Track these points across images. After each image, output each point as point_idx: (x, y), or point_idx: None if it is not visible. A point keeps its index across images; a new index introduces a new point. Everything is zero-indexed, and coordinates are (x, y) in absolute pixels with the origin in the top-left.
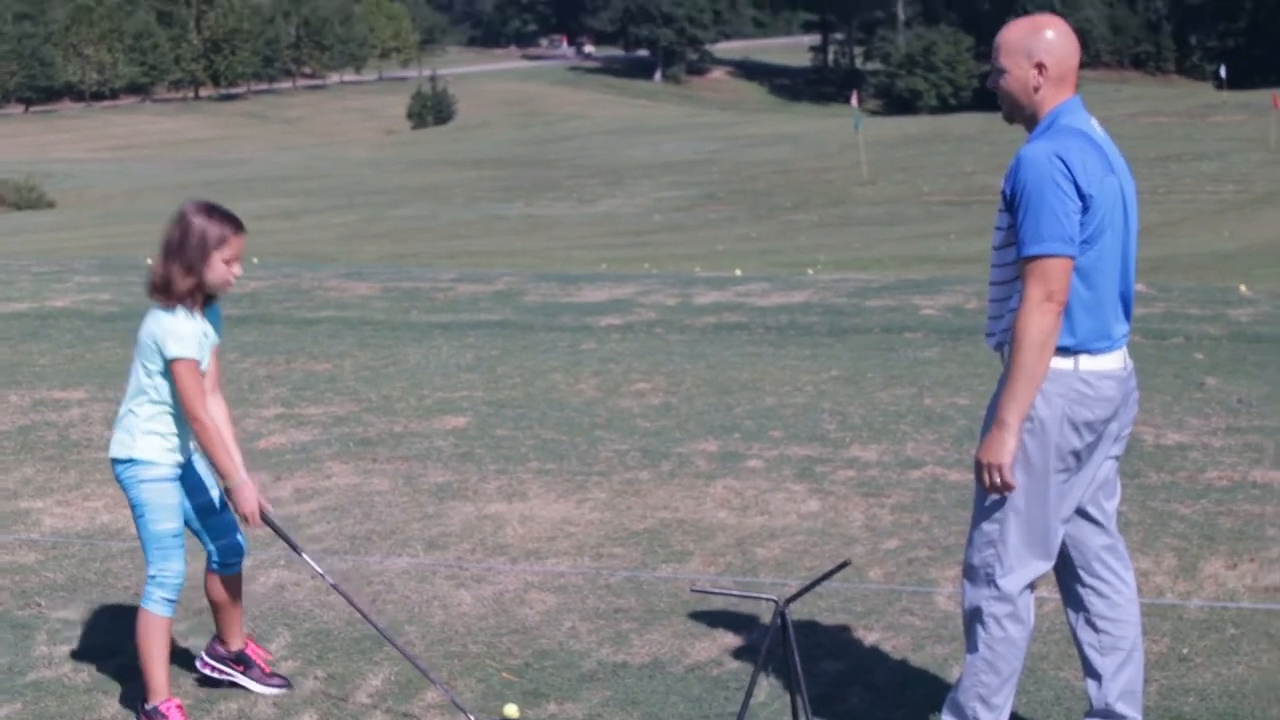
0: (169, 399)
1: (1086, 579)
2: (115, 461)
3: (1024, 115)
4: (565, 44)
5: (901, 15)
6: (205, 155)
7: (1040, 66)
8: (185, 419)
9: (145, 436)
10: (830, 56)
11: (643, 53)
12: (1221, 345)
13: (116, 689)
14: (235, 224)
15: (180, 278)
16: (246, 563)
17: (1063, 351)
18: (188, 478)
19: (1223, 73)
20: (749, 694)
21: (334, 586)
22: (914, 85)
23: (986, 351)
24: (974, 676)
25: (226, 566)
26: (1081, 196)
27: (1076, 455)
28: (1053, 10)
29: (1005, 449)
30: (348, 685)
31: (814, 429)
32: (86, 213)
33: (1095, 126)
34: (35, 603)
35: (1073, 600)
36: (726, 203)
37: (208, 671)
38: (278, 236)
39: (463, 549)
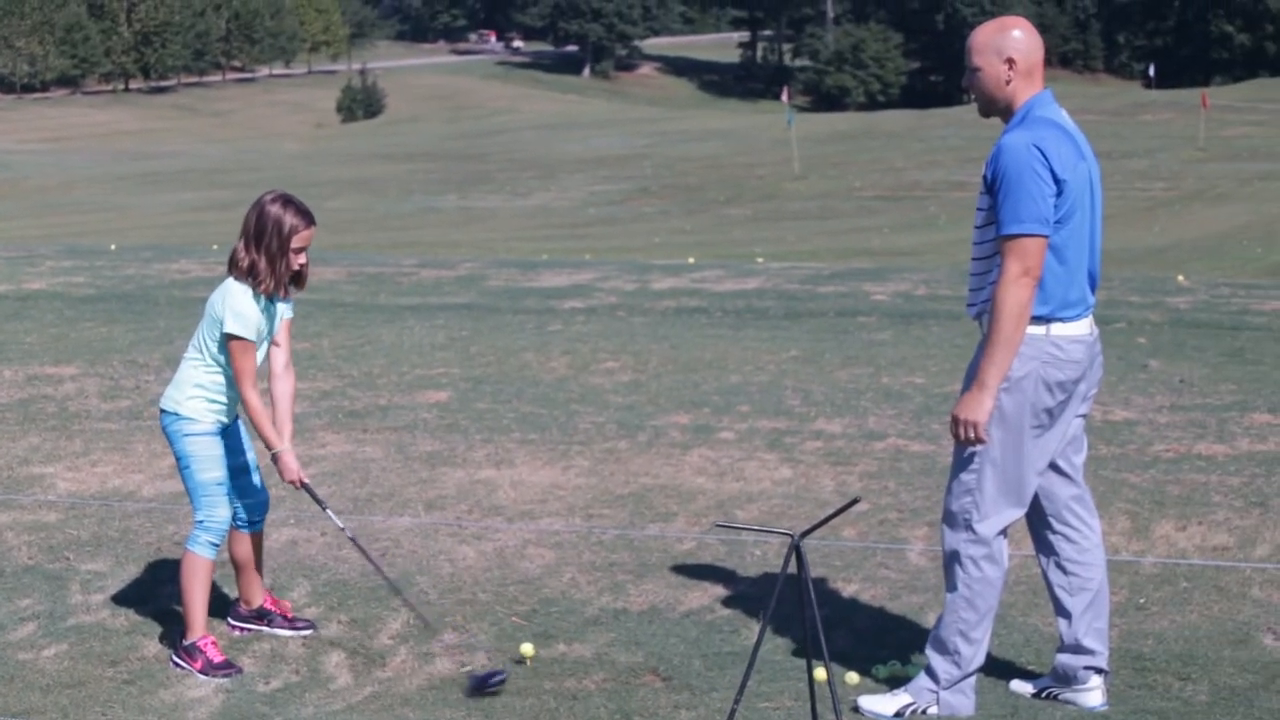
0: (223, 364)
1: (1057, 526)
2: (163, 413)
3: (999, 109)
4: (494, 39)
5: (830, 12)
6: (136, 147)
7: (1010, 62)
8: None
9: (193, 396)
10: (759, 53)
11: (572, 48)
12: (1162, 330)
13: (155, 631)
14: (308, 217)
15: (266, 267)
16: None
17: (1036, 319)
18: (229, 437)
19: (1151, 71)
20: (765, 621)
21: (352, 540)
22: (842, 82)
23: (938, 334)
24: (954, 614)
25: (251, 524)
26: (1056, 181)
27: (1049, 412)
28: (980, 9)
29: (983, 408)
30: (369, 629)
31: (779, 404)
32: (22, 203)
33: (1066, 118)
34: (64, 557)
35: (1044, 546)
36: (660, 197)
37: (235, 633)
38: (216, 228)
39: (460, 509)
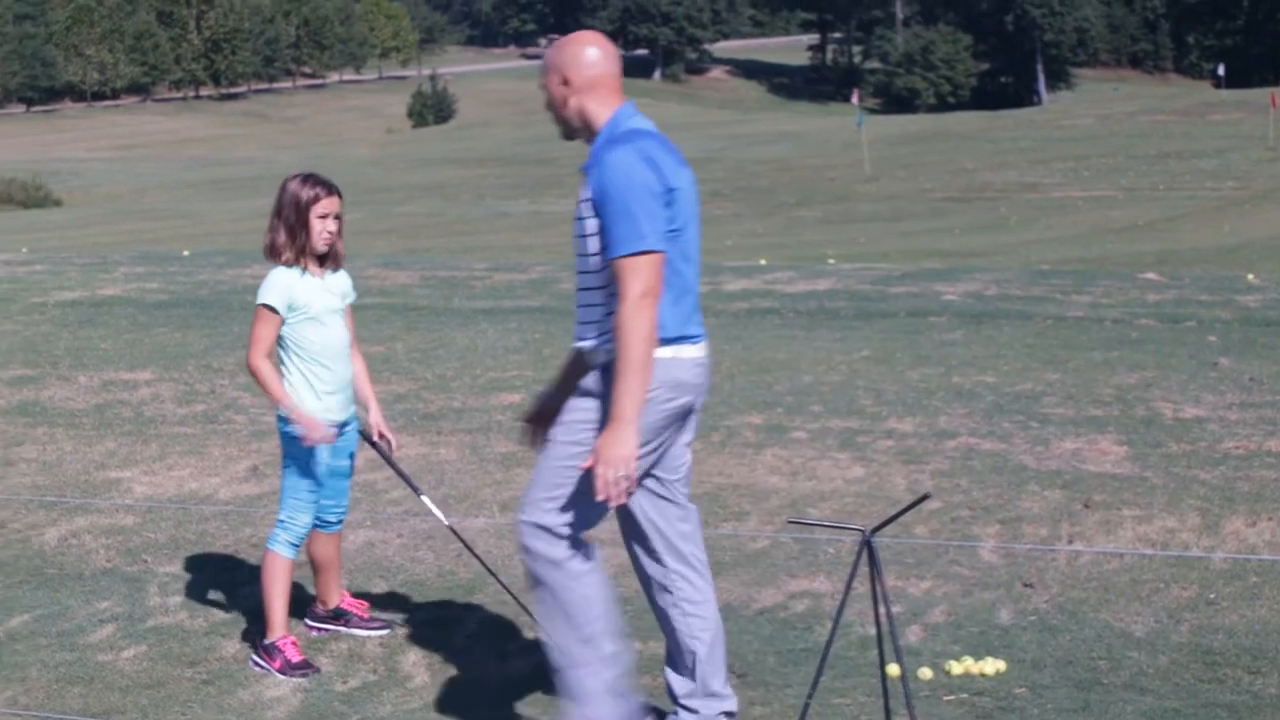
0: (310, 352)
1: (673, 564)
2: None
3: (574, 129)
4: None
5: (900, 14)
6: (207, 154)
7: (566, 81)
8: (334, 371)
9: (296, 391)
10: (828, 56)
11: (642, 52)
12: (1233, 328)
13: (233, 631)
14: (327, 186)
15: (285, 239)
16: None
17: (661, 341)
18: (341, 441)
19: (1221, 71)
20: (837, 618)
21: (449, 528)
22: (912, 84)
23: (1009, 334)
24: (559, 625)
25: (330, 525)
26: (668, 190)
27: (662, 440)
28: (1050, 10)
29: (629, 443)
30: (445, 628)
31: (851, 404)
32: (94, 210)
33: (655, 128)
34: (142, 560)
35: (658, 587)
36: (731, 199)
37: (313, 633)
38: None
39: None
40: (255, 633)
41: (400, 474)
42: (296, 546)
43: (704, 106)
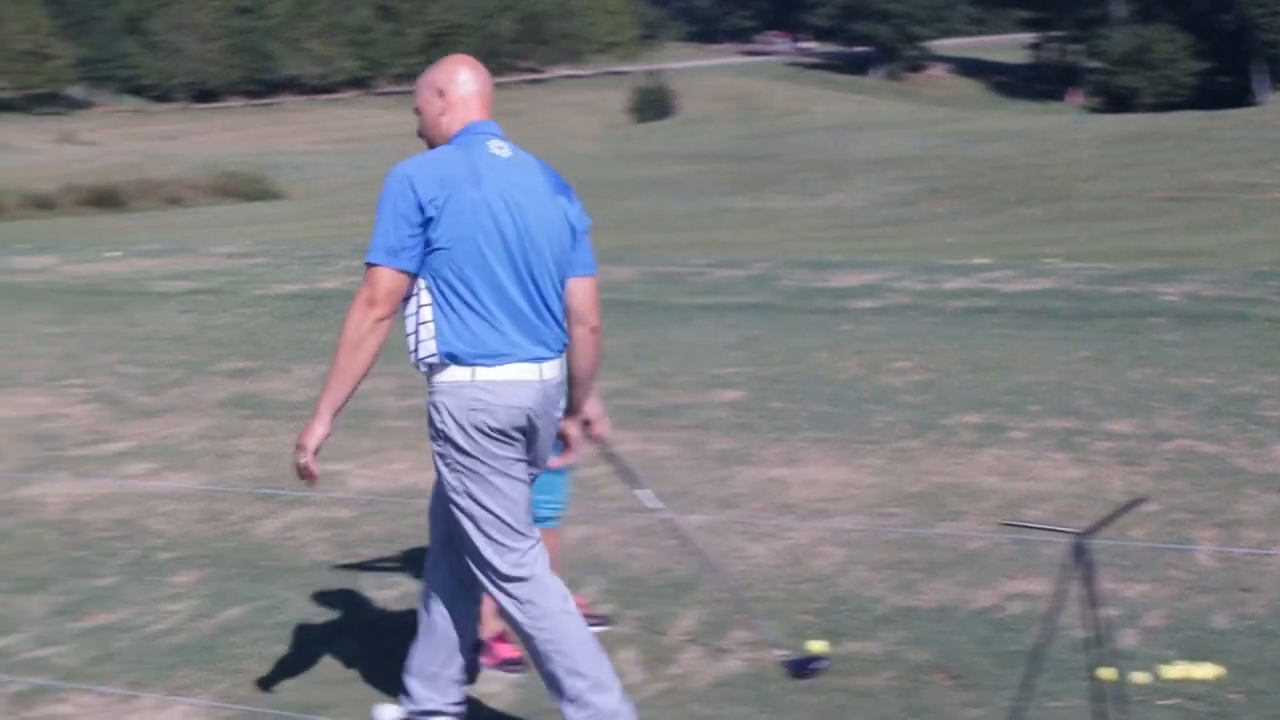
0: None
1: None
2: None
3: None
4: (784, 39)
5: (1118, 13)
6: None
7: (441, 93)
8: None
9: None
10: (1047, 54)
11: (861, 49)
12: None
13: None
14: None
15: None
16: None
17: (459, 361)
18: None
19: None
20: (1050, 620)
21: (666, 521)
22: (1131, 83)
23: (1228, 335)
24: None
25: (545, 521)
26: (421, 208)
27: (495, 455)
28: (1269, 10)
29: (308, 432)
30: (661, 625)
31: (1069, 404)
32: (315, 203)
33: (495, 145)
34: (358, 553)
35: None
36: (951, 197)
37: None
38: None
39: (752, 507)
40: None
41: (620, 467)
42: None
43: (922, 104)
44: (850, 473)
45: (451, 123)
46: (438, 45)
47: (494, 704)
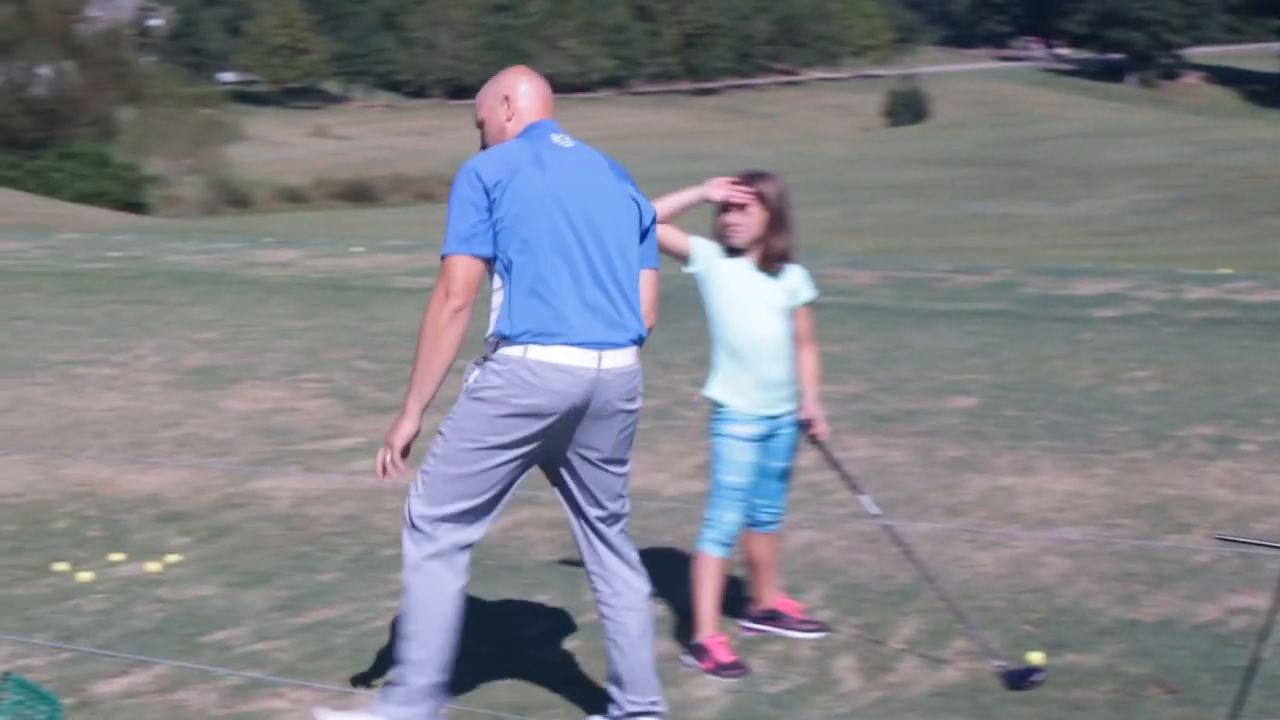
0: (732, 342)
1: (594, 569)
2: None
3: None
4: (1039, 45)
5: None
6: (681, 148)
7: (507, 100)
8: (758, 365)
9: (719, 381)
10: None
11: (1115, 56)
12: None
13: (665, 628)
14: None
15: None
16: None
17: (510, 340)
18: (775, 441)
19: None
20: (1264, 636)
21: (886, 528)
22: None
23: None
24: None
25: (764, 525)
26: (487, 192)
27: (516, 436)
28: None
29: (398, 430)
30: (881, 632)
31: None
32: None
33: (556, 139)
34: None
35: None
36: (1202, 206)
37: (745, 634)
38: None
39: (979, 516)
40: (687, 631)
41: (841, 471)
42: (726, 545)
43: (1175, 112)
44: (1080, 483)
45: (516, 127)
46: (693, 45)
47: (705, 711)
